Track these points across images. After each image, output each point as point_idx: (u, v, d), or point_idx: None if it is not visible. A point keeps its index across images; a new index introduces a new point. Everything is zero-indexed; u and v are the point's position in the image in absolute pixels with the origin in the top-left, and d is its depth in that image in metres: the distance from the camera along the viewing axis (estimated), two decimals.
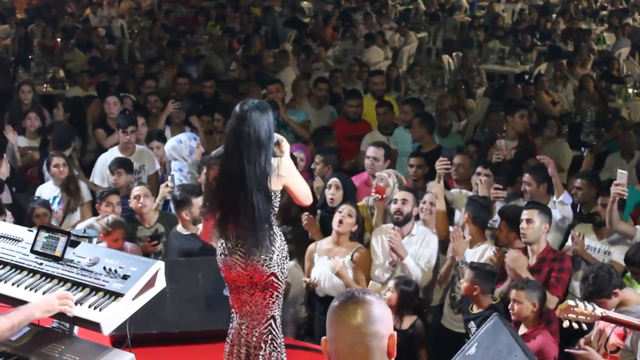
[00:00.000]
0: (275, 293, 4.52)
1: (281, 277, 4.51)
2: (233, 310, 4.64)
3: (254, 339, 4.55)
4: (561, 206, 6.50)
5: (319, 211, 6.73)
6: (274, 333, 4.58)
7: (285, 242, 4.57)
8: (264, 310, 4.53)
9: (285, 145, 4.57)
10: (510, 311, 5.30)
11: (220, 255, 4.55)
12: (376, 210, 6.51)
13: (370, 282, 6.09)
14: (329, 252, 6.09)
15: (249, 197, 4.35)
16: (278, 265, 4.47)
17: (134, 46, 14.88)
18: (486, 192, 6.51)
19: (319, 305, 6.16)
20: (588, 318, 4.31)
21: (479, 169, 6.82)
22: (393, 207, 6.18)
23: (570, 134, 10.19)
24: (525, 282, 5.38)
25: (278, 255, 4.47)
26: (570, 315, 4.28)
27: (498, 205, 6.50)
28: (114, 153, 7.81)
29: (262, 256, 4.41)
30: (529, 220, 5.76)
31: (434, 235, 6.19)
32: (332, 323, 2.57)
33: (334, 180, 6.67)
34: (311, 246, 6.27)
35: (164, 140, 8.08)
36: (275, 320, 4.57)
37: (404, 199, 6.14)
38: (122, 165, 7.26)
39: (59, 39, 14.58)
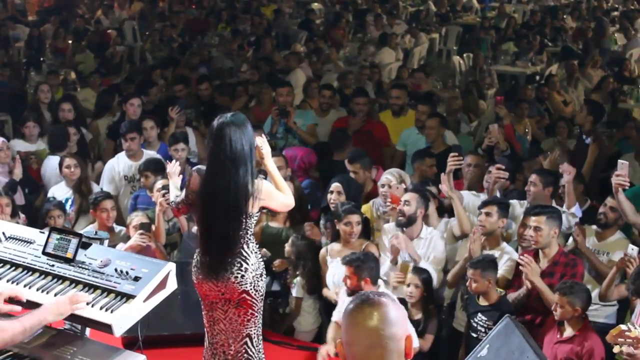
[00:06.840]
0: (250, 311, 4.42)
1: (255, 294, 4.40)
2: (205, 329, 4.57)
3: (230, 357, 4.47)
4: (571, 218, 6.23)
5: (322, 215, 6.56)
6: (250, 353, 4.47)
7: (261, 260, 4.48)
8: (239, 327, 4.44)
9: (266, 149, 4.49)
10: (554, 312, 5.16)
11: (194, 267, 4.51)
12: (391, 218, 6.32)
13: None
14: (341, 254, 5.97)
15: (222, 219, 4.31)
16: (251, 284, 4.38)
17: (145, 48, 14.91)
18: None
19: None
20: None
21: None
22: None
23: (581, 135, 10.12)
24: (569, 286, 5.16)
25: (252, 273, 4.38)
26: (620, 339, 4.08)
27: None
28: (121, 159, 7.83)
29: (234, 274, 4.34)
30: (536, 228, 5.59)
31: (438, 235, 6.13)
32: (348, 326, 2.53)
33: (335, 186, 6.49)
34: (322, 251, 6.18)
35: (187, 143, 7.94)
36: (251, 339, 4.46)
37: (407, 200, 6.02)
38: (148, 167, 7.22)
39: (70, 41, 14.63)
